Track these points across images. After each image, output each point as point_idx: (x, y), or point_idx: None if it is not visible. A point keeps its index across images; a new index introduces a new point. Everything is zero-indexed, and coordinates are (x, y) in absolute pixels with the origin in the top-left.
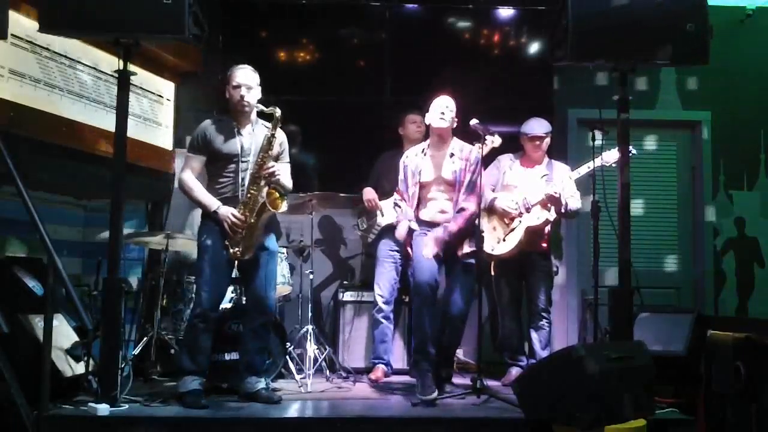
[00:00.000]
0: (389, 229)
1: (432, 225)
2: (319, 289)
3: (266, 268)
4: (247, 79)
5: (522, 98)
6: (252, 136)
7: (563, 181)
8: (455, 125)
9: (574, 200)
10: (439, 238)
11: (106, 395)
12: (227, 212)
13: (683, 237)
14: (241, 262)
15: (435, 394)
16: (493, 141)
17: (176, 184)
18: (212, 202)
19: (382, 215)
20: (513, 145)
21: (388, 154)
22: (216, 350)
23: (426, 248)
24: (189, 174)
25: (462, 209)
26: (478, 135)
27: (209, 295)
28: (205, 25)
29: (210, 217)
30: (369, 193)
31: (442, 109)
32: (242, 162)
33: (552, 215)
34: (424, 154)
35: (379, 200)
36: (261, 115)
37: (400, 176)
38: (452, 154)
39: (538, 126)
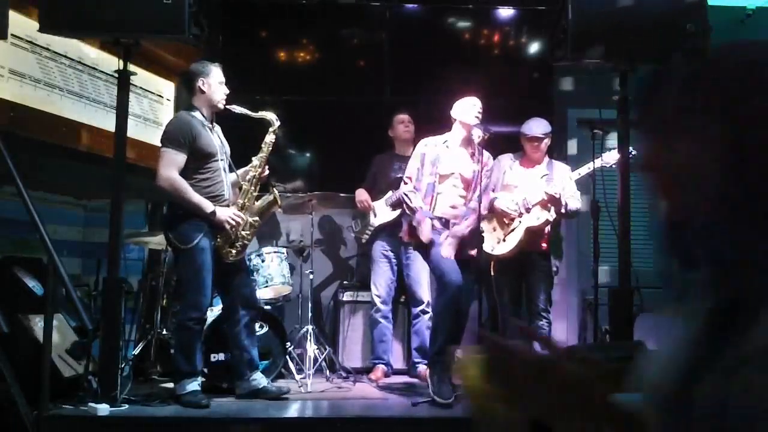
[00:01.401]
0: (383, 230)
1: (440, 219)
2: (319, 289)
3: (246, 265)
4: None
5: (522, 98)
6: (217, 133)
7: (563, 181)
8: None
9: (574, 200)
10: (457, 237)
11: (106, 395)
12: (228, 213)
13: None
14: (224, 263)
15: (453, 398)
16: (480, 135)
17: (162, 184)
18: (208, 204)
19: (375, 215)
20: (513, 145)
21: (381, 156)
22: (216, 350)
23: (445, 248)
24: (176, 173)
25: (474, 209)
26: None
27: (206, 298)
28: (205, 25)
29: (203, 219)
30: (361, 194)
31: (479, 110)
32: (221, 161)
33: (552, 215)
34: (446, 146)
35: (374, 200)
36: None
37: (415, 164)
38: (473, 154)
39: (536, 126)
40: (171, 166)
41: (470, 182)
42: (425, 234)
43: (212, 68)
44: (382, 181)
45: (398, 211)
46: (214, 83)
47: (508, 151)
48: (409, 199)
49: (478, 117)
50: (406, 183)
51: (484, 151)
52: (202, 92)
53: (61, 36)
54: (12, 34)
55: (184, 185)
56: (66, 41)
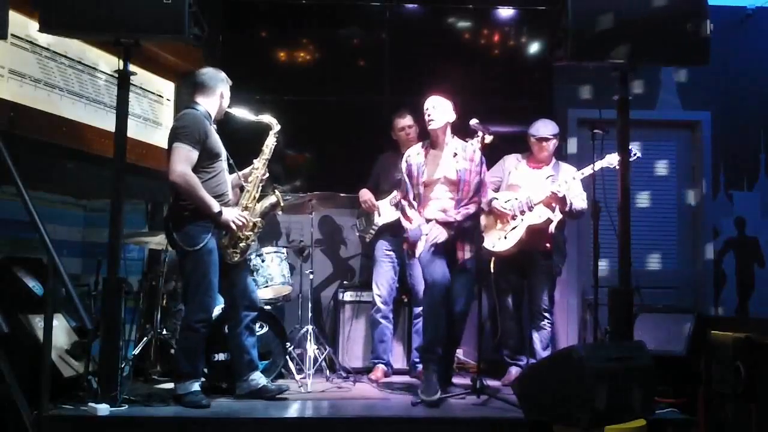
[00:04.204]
0: (386, 229)
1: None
2: (319, 289)
3: (248, 265)
4: None
5: (522, 98)
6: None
7: (568, 182)
8: (452, 120)
9: (579, 200)
10: (446, 222)
11: (106, 395)
12: (234, 214)
13: (683, 237)
14: (226, 264)
15: (438, 395)
16: (485, 138)
17: (176, 179)
18: (216, 203)
19: (379, 215)
20: (513, 145)
21: (386, 155)
22: (216, 350)
23: (432, 236)
24: (189, 169)
25: (465, 206)
26: (475, 134)
27: (213, 300)
28: (205, 25)
29: (209, 219)
30: (365, 194)
31: (427, 112)
32: (223, 161)
33: (556, 215)
34: (426, 153)
35: (378, 200)
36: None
37: (404, 177)
38: (455, 153)
39: (544, 128)
40: (185, 162)
41: (457, 183)
42: (418, 252)
43: (229, 82)
44: (385, 180)
45: None
46: (228, 96)
47: (507, 151)
48: (408, 217)
49: (429, 119)
50: (401, 200)
51: (470, 146)
52: (222, 98)
53: (61, 36)
54: (12, 34)
55: (197, 182)
56: (66, 41)
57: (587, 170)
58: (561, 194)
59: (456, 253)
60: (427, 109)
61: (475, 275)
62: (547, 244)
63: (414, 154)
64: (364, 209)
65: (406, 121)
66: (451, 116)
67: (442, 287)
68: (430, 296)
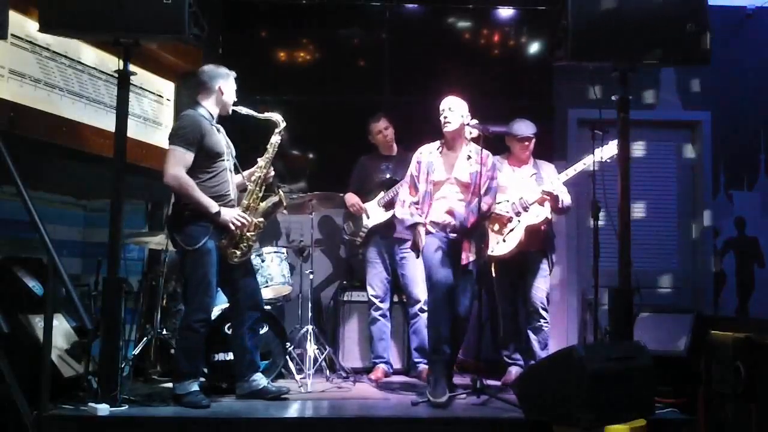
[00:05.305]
0: (376, 231)
1: (438, 224)
2: (319, 289)
3: (252, 266)
4: None
5: (522, 98)
6: (223, 134)
7: (560, 178)
8: (468, 122)
9: (566, 195)
10: (454, 218)
11: (106, 395)
12: (233, 214)
13: (683, 237)
14: (230, 264)
15: (447, 396)
16: (471, 132)
17: (169, 182)
18: (213, 203)
19: (368, 217)
20: None
21: (365, 158)
22: (216, 351)
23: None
24: (183, 171)
25: (479, 208)
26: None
27: (212, 299)
28: (205, 25)
29: (208, 219)
30: (351, 198)
31: (443, 114)
32: (227, 161)
33: (547, 211)
34: (439, 153)
35: (363, 203)
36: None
37: (413, 172)
38: (469, 156)
39: (526, 127)
40: (179, 164)
41: (469, 185)
42: (422, 243)
43: (231, 75)
44: (369, 182)
45: (391, 212)
46: (231, 89)
47: (505, 151)
48: (402, 213)
49: (446, 121)
50: (404, 201)
51: (482, 149)
52: (222, 93)
53: (61, 36)
54: (12, 34)
55: (191, 184)
56: (66, 41)
57: (571, 171)
58: (555, 192)
59: (461, 255)
60: (443, 110)
61: (476, 277)
62: (542, 243)
63: (426, 153)
64: (352, 213)
65: (382, 124)
66: (467, 118)
67: (446, 289)
68: (434, 298)
